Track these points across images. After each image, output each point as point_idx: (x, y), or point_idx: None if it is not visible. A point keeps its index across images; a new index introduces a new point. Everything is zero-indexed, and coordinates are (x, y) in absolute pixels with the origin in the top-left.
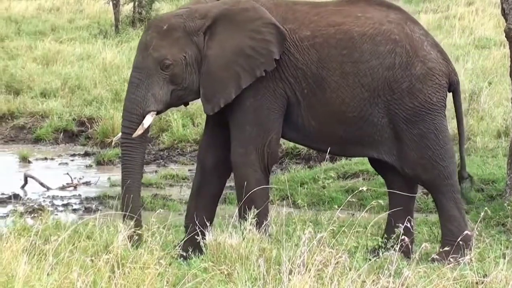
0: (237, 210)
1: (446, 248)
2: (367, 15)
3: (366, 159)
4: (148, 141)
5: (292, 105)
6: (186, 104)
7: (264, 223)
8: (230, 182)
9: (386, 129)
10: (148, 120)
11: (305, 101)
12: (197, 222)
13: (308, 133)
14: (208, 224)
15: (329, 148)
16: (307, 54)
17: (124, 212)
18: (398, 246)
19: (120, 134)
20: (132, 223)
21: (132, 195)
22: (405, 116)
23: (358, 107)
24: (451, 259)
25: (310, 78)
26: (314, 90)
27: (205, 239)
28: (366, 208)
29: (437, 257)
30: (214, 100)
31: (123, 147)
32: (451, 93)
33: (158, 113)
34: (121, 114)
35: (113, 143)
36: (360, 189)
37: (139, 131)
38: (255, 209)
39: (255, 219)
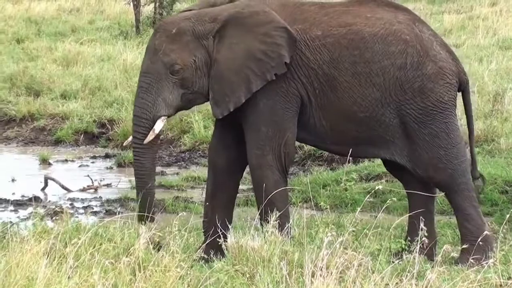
0: (258, 213)
1: (469, 249)
2: (377, 16)
3: None
4: (159, 145)
5: (304, 105)
6: (191, 107)
7: (286, 225)
8: (252, 185)
9: (398, 129)
10: (159, 125)
11: (317, 101)
12: (218, 225)
13: (320, 134)
14: (228, 226)
15: (341, 149)
16: (318, 54)
17: (140, 214)
18: (418, 248)
19: (131, 137)
20: (152, 226)
21: (147, 201)
22: (417, 116)
23: (369, 107)
24: (474, 261)
25: (322, 78)
26: (325, 90)
27: (226, 241)
28: (384, 207)
29: (460, 256)
30: (224, 104)
31: (134, 153)
32: (461, 93)
33: (168, 117)
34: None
35: (124, 145)
36: (377, 188)
37: (150, 137)
38: (277, 211)
39: (277, 221)
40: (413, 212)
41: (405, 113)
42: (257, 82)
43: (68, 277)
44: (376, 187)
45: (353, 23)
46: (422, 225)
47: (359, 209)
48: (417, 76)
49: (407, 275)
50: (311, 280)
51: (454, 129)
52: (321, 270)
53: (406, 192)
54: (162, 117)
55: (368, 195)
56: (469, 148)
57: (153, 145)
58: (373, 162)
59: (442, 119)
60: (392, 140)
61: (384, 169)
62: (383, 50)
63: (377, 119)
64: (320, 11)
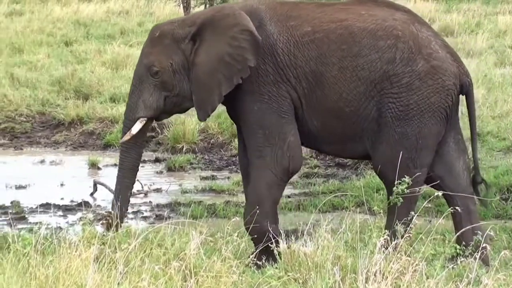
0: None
1: None
2: (371, 13)
3: None
4: (143, 146)
5: (297, 108)
6: (185, 110)
7: (266, 225)
8: (304, 189)
9: (376, 121)
10: (137, 126)
11: (306, 100)
12: (270, 230)
13: (312, 135)
14: (279, 230)
15: (332, 149)
16: (306, 50)
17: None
18: (476, 252)
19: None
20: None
21: (119, 200)
22: (397, 112)
23: (354, 101)
24: None
25: (310, 75)
26: (313, 88)
27: (278, 246)
28: (443, 215)
29: None
30: (204, 108)
31: (120, 152)
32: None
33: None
34: None
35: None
36: (436, 194)
37: (126, 137)
38: (263, 210)
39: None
40: (465, 228)
41: (386, 106)
42: (226, 85)
43: (118, 283)
44: (436, 193)
45: (345, 19)
46: (466, 226)
47: (413, 213)
48: (406, 72)
49: (464, 280)
50: (365, 285)
51: (426, 136)
52: (375, 275)
53: (443, 194)
54: (141, 119)
55: (426, 202)
56: (472, 152)
57: (135, 146)
58: None
59: (418, 122)
60: (367, 133)
61: None
62: (371, 44)
63: (360, 113)
64: (316, 9)
